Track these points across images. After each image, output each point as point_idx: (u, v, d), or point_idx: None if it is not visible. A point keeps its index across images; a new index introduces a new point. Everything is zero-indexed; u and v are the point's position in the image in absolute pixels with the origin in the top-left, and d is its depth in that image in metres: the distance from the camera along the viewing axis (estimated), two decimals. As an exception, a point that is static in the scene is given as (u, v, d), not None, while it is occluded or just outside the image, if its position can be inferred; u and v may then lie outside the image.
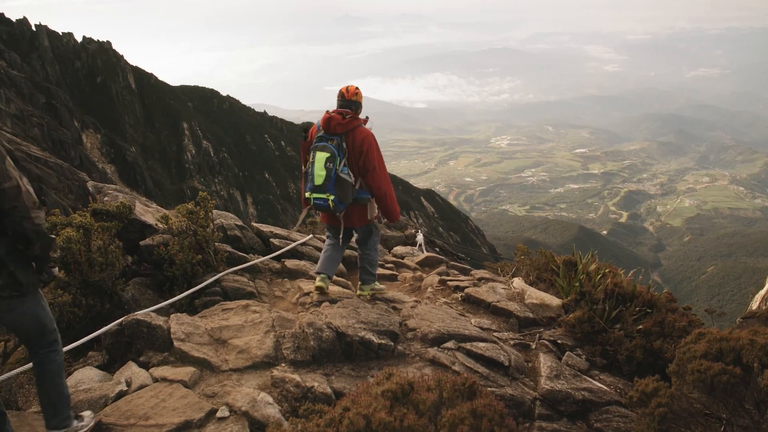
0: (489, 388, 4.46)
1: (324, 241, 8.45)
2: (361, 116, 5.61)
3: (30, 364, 4.04)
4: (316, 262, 7.68)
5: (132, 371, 4.27)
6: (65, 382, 3.39)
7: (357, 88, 5.63)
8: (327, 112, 5.45)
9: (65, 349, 4.38)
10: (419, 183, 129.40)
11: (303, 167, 5.56)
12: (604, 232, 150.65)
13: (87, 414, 3.59)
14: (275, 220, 60.70)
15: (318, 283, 5.86)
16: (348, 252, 7.99)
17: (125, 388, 4.15)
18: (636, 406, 4.20)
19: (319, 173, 5.23)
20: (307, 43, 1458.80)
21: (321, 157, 5.24)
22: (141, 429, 3.63)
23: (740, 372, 3.54)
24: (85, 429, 3.45)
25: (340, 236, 5.83)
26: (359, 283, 6.24)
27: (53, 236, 2.98)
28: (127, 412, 3.79)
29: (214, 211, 7.54)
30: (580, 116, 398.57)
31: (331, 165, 5.22)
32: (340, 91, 5.61)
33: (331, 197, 5.25)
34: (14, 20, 62.02)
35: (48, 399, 3.27)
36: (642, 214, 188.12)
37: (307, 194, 5.38)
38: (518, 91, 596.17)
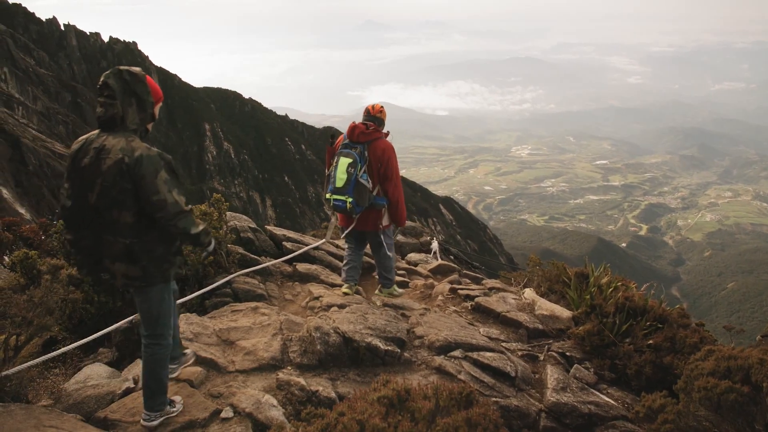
0: (494, 399, 4.44)
1: (337, 246, 8.64)
2: (383, 131, 6.00)
3: (39, 359, 4.13)
4: (327, 267, 7.78)
5: (140, 369, 4.31)
6: (165, 372, 3.71)
7: (382, 106, 6.07)
8: (353, 122, 5.84)
9: (75, 345, 4.46)
10: (438, 190, 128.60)
11: (327, 170, 5.95)
12: (623, 244, 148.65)
13: (178, 399, 3.88)
14: (294, 223, 61.00)
15: (344, 290, 6.34)
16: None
17: (132, 385, 4.21)
18: (642, 422, 4.16)
19: (341, 176, 5.61)
20: (330, 48, 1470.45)
21: (344, 162, 5.64)
22: (145, 426, 3.67)
23: (749, 391, 3.49)
24: (175, 413, 3.77)
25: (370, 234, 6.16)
26: (379, 285, 6.69)
27: (200, 229, 3.54)
28: (133, 409, 3.85)
29: (228, 213, 7.61)
30: (601, 127, 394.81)
31: (353, 170, 5.60)
32: (366, 108, 6.05)
33: (349, 199, 5.60)
34: (44, 20, 63.36)
35: (146, 383, 3.66)
36: (662, 227, 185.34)
37: (327, 195, 5.80)
38: (540, 100, 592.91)
